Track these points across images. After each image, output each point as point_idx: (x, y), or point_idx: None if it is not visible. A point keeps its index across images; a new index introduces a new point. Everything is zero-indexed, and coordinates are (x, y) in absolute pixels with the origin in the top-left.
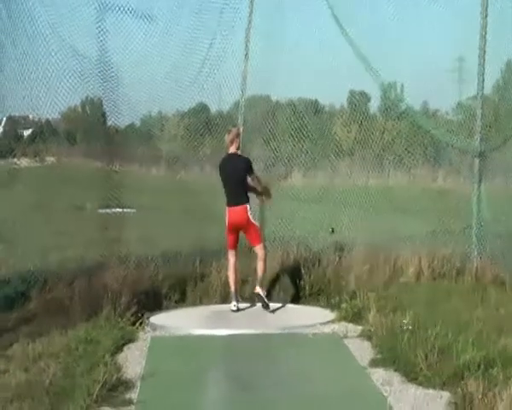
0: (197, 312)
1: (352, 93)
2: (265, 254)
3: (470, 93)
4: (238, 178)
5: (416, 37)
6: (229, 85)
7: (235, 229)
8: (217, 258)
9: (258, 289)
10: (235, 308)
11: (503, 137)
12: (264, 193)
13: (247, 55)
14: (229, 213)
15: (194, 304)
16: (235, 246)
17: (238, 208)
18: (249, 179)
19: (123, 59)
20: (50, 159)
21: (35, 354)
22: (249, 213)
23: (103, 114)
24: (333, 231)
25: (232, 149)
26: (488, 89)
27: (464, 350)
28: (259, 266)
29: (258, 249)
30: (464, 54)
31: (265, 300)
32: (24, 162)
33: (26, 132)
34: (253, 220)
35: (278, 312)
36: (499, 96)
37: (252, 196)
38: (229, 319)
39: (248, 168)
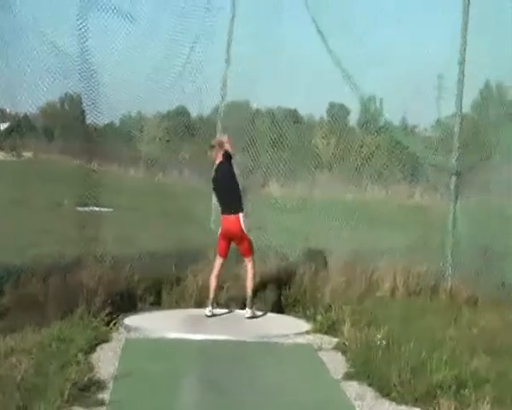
0: (172, 315)
1: (331, 105)
2: (254, 268)
3: (449, 111)
4: (227, 186)
5: (396, 51)
6: (210, 90)
7: (228, 237)
8: (194, 262)
9: (248, 313)
10: (209, 314)
11: (479, 155)
12: None
13: (227, 59)
14: (223, 221)
15: (169, 307)
16: (225, 254)
17: (231, 217)
18: None
19: (104, 58)
20: (27, 154)
21: (7, 350)
22: (242, 224)
23: (82, 112)
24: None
25: (219, 159)
26: (467, 107)
27: (437, 369)
28: (249, 281)
29: (248, 262)
30: (444, 71)
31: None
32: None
33: (3, 126)
34: (246, 232)
35: (254, 320)
36: (477, 114)
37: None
38: (205, 324)
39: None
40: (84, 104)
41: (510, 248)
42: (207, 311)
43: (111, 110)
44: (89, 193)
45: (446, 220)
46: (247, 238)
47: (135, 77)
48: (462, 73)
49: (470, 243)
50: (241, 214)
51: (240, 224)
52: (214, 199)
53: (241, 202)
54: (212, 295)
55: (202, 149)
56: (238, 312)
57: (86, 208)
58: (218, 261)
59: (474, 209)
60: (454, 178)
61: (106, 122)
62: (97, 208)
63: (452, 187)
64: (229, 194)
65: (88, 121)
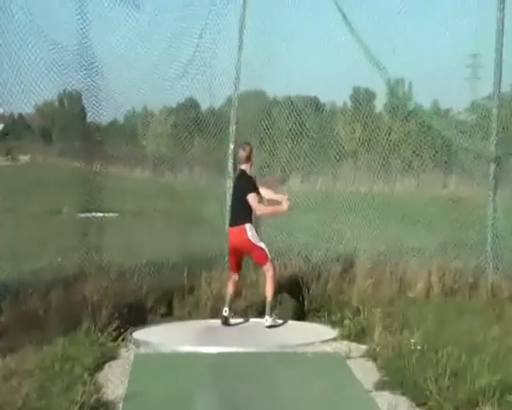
0: (185, 327)
1: (355, 90)
2: (275, 275)
3: (485, 92)
4: (239, 198)
5: (426, 30)
6: (221, 80)
7: (234, 251)
8: (207, 268)
9: (268, 322)
10: (225, 314)
11: None
12: (276, 211)
13: (240, 46)
14: (229, 234)
15: (181, 319)
16: (235, 269)
17: (235, 229)
18: (253, 200)
19: (105, 51)
20: (24, 157)
21: (6, 372)
22: (249, 235)
23: (83, 110)
24: None
25: (243, 166)
26: (505, 87)
27: (479, 374)
28: (268, 289)
29: (266, 270)
30: (479, 49)
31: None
32: None
33: None
34: (254, 241)
35: (274, 329)
36: None
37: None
38: (220, 336)
39: (250, 188)
40: (85, 101)
41: None
42: (224, 311)
43: (114, 106)
44: (91, 198)
45: (485, 212)
46: (258, 247)
47: (139, 69)
48: (500, 50)
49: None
50: (247, 225)
51: (244, 235)
52: (229, 199)
53: (248, 215)
54: (228, 297)
55: (214, 144)
56: (256, 321)
57: (88, 214)
58: (232, 278)
59: None
60: (493, 166)
61: (108, 120)
62: (100, 214)
63: (491, 175)
64: (239, 205)
65: (89, 120)
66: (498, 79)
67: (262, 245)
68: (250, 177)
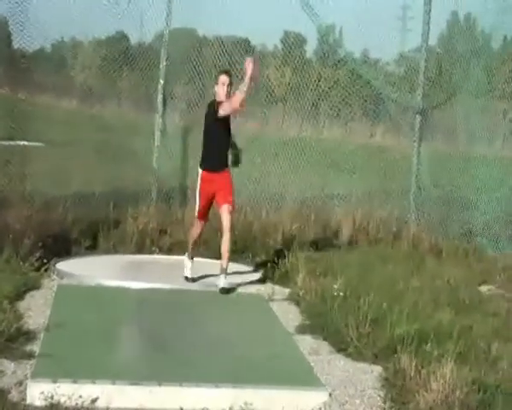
0: (110, 261)
1: (286, 34)
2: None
3: (414, 44)
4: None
5: None
6: (152, 14)
7: (211, 196)
8: (133, 203)
9: (222, 282)
10: (189, 274)
11: (446, 93)
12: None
13: None
14: (209, 179)
15: (106, 252)
16: (207, 216)
17: (220, 175)
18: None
19: None
20: None
21: None
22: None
23: (8, 36)
24: None
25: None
26: (433, 40)
27: (398, 322)
28: (228, 242)
29: (228, 215)
30: (409, 1)
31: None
32: None
33: None
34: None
35: (198, 267)
36: (444, 48)
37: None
38: (145, 271)
39: (216, 109)
40: (11, 27)
41: (476, 195)
42: (187, 271)
43: (41, 34)
44: (15, 126)
45: (410, 163)
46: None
47: None
48: (429, 3)
49: (434, 189)
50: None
51: (228, 178)
52: (157, 135)
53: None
54: (191, 247)
55: (143, 78)
56: (182, 258)
57: (12, 142)
58: (200, 225)
59: (440, 152)
60: (418, 118)
61: (36, 47)
62: (25, 142)
63: (417, 127)
64: (221, 145)
65: (15, 46)
66: (426, 32)
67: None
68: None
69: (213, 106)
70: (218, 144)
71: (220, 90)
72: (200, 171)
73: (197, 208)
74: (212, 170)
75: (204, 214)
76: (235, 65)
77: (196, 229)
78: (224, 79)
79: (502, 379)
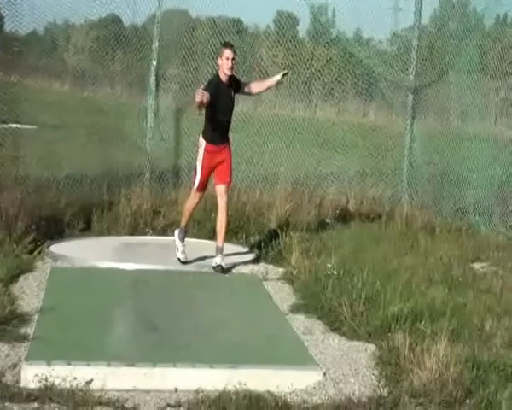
0: (103, 243)
1: (279, 13)
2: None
3: (406, 23)
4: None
5: None
6: None
7: (212, 168)
8: (126, 185)
9: (219, 261)
10: (183, 257)
11: (438, 72)
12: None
13: None
14: (215, 152)
15: (100, 234)
16: (205, 187)
17: (225, 147)
18: None
19: None
20: None
21: None
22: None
23: (0, 19)
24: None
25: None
26: (425, 19)
27: (392, 301)
28: (225, 220)
29: (225, 192)
30: None
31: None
32: None
33: None
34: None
35: (192, 248)
36: (436, 27)
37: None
38: (139, 253)
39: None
40: (3, 9)
41: (469, 172)
42: (181, 250)
43: (34, 16)
44: (8, 108)
45: (402, 142)
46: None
47: None
48: None
49: (427, 167)
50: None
51: (229, 150)
52: (150, 116)
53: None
54: (187, 221)
55: (136, 60)
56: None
57: (4, 125)
58: (199, 196)
59: (432, 130)
60: (411, 96)
61: (28, 30)
62: (18, 125)
63: (409, 106)
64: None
65: (7, 29)
66: (419, 11)
67: (197, 169)
68: (210, 80)
69: (230, 80)
70: (226, 118)
71: (225, 64)
72: (203, 142)
73: (197, 180)
74: (216, 143)
75: (203, 186)
76: None
77: (194, 200)
78: (228, 53)
79: (495, 356)
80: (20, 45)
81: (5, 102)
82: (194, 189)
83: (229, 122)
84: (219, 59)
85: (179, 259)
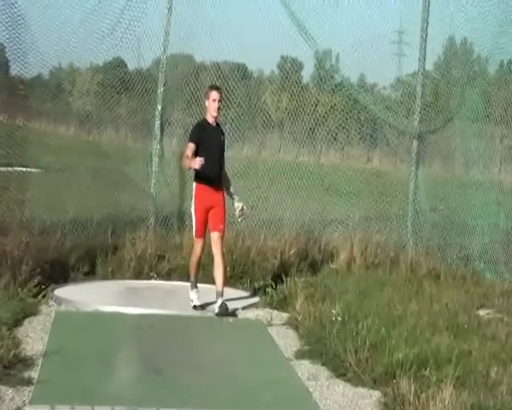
0: (107, 286)
1: (283, 59)
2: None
3: (410, 69)
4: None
5: (354, 4)
6: (150, 41)
7: (208, 211)
8: (131, 229)
9: (219, 306)
10: (198, 303)
11: (443, 118)
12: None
13: (170, 8)
14: (209, 194)
15: (104, 278)
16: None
17: (217, 189)
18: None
19: (31, 1)
20: None
21: None
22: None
23: (6, 62)
24: None
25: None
26: (429, 65)
27: (397, 347)
28: (222, 267)
29: (220, 238)
30: (406, 26)
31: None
32: None
33: None
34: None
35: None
36: (440, 73)
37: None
38: (143, 297)
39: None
40: (9, 54)
41: (474, 219)
42: (195, 297)
43: (39, 61)
44: (13, 152)
45: (407, 188)
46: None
47: (67, 24)
48: (425, 28)
49: (432, 213)
50: (193, 184)
51: (222, 194)
52: (155, 161)
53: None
54: (195, 271)
55: (141, 104)
56: (180, 284)
57: (10, 168)
58: (201, 244)
59: (437, 177)
60: (415, 143)
61: (34, 74)
62: (23, 169)
63: (414, 152)
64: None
65: (12, 72)
66: (423, 57)
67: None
68: (196, 124)
69: (217, 121)
70: (216, 158)
71: (211, 106)
72: (194, 185)
73: (195, 226)
74: (207, 183)
75: (202, 231)
76: (232, 91)
77: (196, 250)
78: (215, 95)
79: (501, 404)
80: (26, 89)
81: (10, 145)
82: (194, 237)
83: (220, 162)
84: (206, 101)
85: (194, 306)
